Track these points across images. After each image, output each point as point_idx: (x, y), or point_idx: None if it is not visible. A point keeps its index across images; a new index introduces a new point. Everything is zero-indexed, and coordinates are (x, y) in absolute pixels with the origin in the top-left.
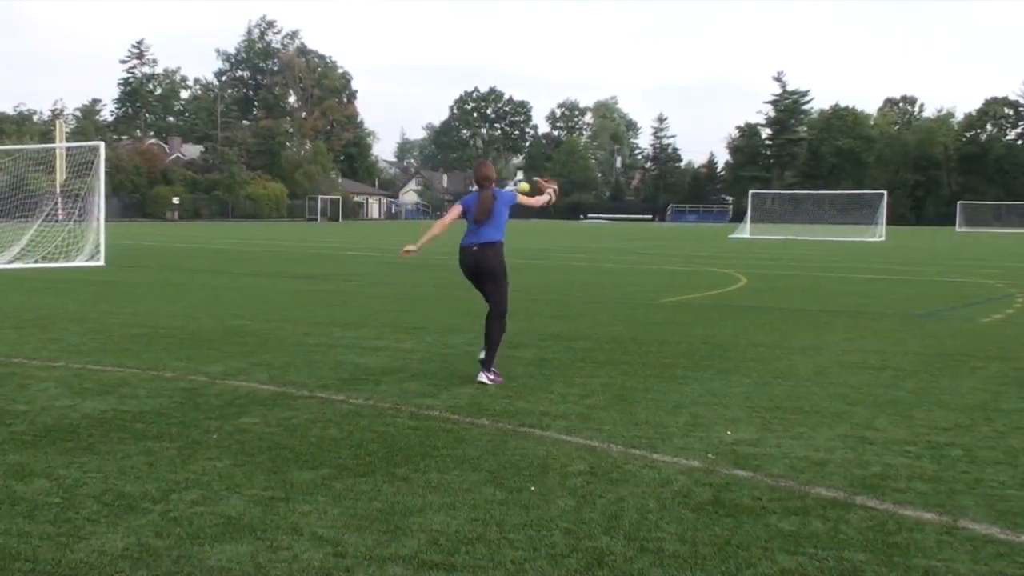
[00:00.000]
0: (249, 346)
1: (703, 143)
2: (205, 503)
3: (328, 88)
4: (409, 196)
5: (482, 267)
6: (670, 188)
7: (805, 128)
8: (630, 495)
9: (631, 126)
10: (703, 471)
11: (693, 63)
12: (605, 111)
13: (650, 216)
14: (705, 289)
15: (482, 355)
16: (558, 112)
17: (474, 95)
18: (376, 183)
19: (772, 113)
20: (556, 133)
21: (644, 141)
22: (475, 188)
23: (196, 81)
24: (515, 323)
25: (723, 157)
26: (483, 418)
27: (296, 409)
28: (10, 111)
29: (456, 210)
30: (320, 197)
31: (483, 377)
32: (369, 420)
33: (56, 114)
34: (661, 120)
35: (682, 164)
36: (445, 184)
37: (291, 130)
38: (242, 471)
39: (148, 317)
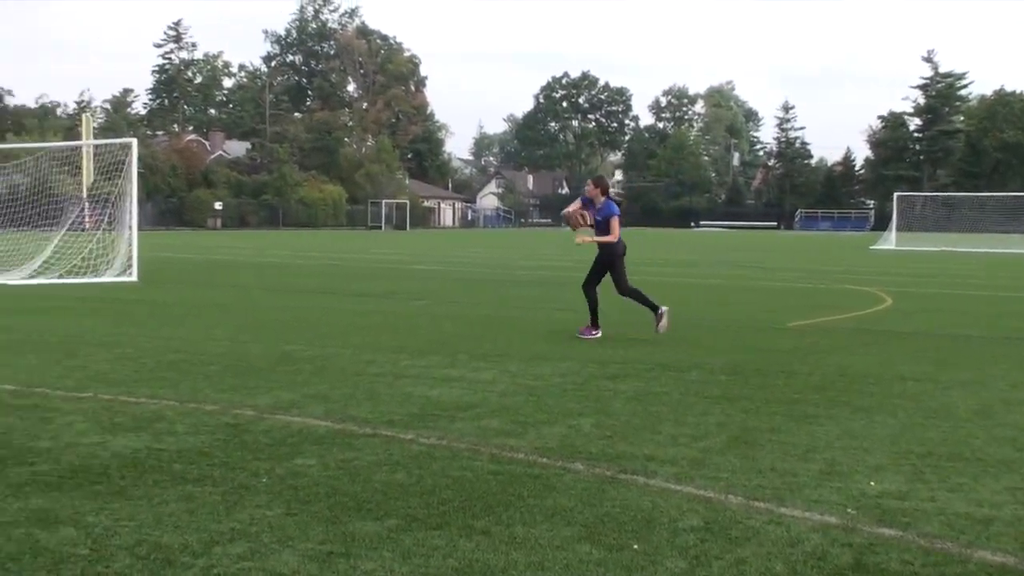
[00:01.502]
0: (303, 375)
1: (838, 137)
2: (253, 558)
3: (393, 74)
4: (488, 200)
5: None
6: (798, 190)
7: (962, 118)
8: (753, 556)
9: (751, 116)
10: (841, 529)
11: (824, 41)
12: (719, 99)
13: (775, 223)
14: (842, 310)
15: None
16: (663, 100)
17: (564, 81)
18: (449, 185)
19: (921, 100)
20: (661, 125)
21: (766, 134)
22: (602, 197)
23: (241, 68)
24: (614, 351)
25: (862, 153)
26: (576, 462)
27: (357, 449)
28: (31, 104)
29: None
30: (384, 202)
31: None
32: (442, 463)
33: (82, 107)
34: (787, 109)
35: (812, 161)
36: (530, 186)
37: (350, 123)
38: (295, 521)
39: (187, 341)
